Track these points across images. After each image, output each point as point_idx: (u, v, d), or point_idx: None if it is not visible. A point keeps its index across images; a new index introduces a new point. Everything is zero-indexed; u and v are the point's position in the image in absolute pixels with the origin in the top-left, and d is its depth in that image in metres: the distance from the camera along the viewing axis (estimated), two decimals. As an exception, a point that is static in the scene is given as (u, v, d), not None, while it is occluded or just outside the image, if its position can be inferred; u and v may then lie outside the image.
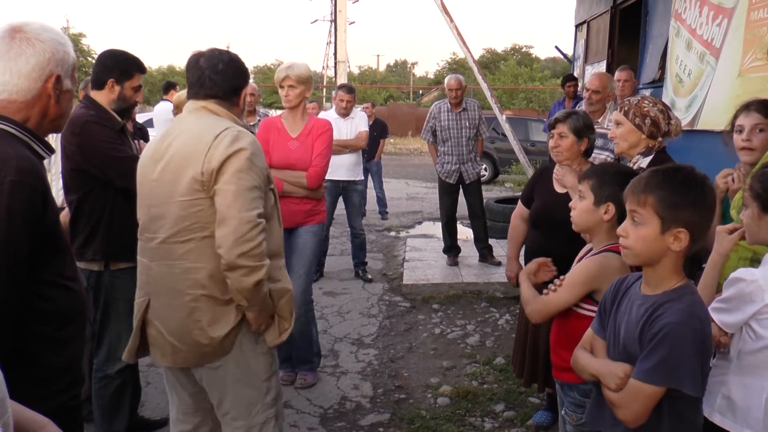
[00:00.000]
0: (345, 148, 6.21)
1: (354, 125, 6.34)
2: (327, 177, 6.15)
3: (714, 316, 1.97)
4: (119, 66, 2.98)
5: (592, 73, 8.11)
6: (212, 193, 2.12)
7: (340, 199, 6.49)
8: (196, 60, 2.29)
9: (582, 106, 5.54)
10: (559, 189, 3.27)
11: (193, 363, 2.29)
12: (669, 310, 1.66)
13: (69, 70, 1.77)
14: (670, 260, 1.73)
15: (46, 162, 2.11)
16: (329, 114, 6.48)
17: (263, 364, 2.37)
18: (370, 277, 6.64)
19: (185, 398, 2.45)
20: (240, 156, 2.12)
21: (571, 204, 2.42)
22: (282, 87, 3.87)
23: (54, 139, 3.86)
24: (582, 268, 2.33)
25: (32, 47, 1.68)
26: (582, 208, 2.35)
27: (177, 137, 2.23)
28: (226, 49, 2.39)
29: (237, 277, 2.12)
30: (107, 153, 2.85)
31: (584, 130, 3.18)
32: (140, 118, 8.58)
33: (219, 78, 2.27)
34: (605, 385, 1.78)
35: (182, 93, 3.91)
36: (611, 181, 2.25)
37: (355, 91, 6.55)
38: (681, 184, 1.70)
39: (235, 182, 2.10)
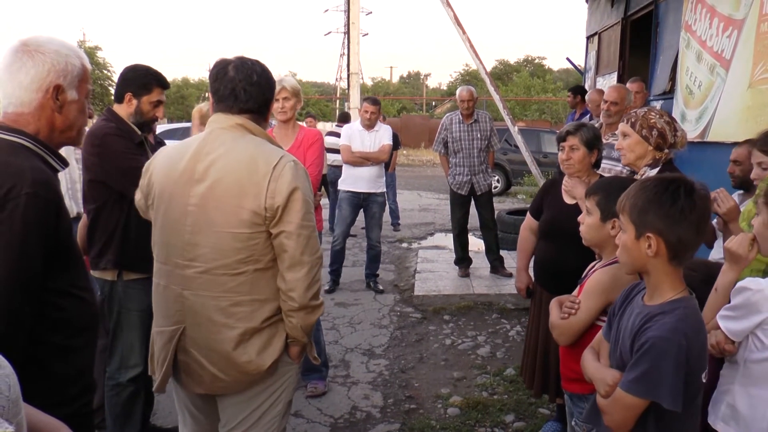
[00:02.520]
0: (367, 160, 6.24)
1: (378, 138, 6.35)
2: (348, 188, 6.27)
3: (721, 323, 1.98)
4: (138, 80, 3.00)
5: (604, 84, 8.13)
6: (276, 230, 2.04)
7: (360, 211, 6.50)
8: (224, 69, 2.12)
9: (596, 119, 5.56)
10: (568, 200, 3.28)
11: (235, 390, 2.19)
12: (658, 323, 1.67)
13: (74, 81, 1.78)
14: (660, 269, 1.72)
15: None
16: (354, 126, 6.50)
17: (290, 390, 2.30)
18: (381, 288, 6.65)
19: (201, 419, 2.36)
20: (304, 192, 2.06)
21: (579, 218, 2.45)
22: (277, 99, 3.87)
23: (73, 152, 3.95)
24: (595, 280, 2.35)
25: (32, 59, 1.71)
26: (589, 224, 2.37)
27: (219, 158, 2.06)
28: (254, 58, 2.22)
29: (303, 316, 2.11)
30: (126, 163, 2.88)
31: (595, 141, 3.20)
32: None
33: (255, 91, 2.12)
34: (597, 390, 1.84)
35: (203, 105, 3.93)
36: (617, 196, 2.25)
37: (379, 103, 6.53)
38: (650, 190, 1.70)
39: (307, 226, 2.06)
